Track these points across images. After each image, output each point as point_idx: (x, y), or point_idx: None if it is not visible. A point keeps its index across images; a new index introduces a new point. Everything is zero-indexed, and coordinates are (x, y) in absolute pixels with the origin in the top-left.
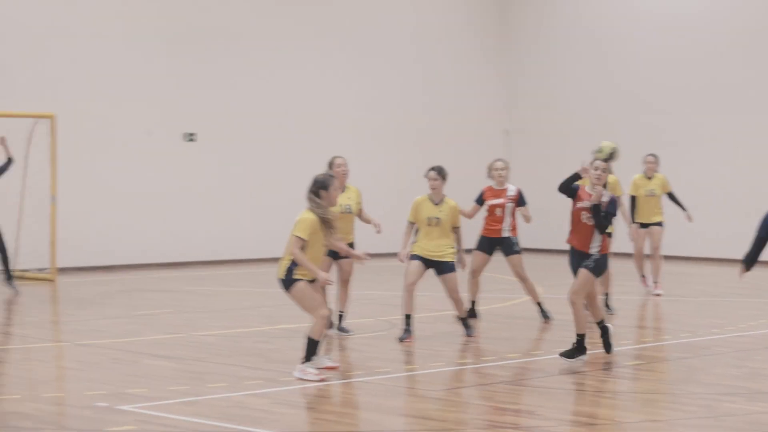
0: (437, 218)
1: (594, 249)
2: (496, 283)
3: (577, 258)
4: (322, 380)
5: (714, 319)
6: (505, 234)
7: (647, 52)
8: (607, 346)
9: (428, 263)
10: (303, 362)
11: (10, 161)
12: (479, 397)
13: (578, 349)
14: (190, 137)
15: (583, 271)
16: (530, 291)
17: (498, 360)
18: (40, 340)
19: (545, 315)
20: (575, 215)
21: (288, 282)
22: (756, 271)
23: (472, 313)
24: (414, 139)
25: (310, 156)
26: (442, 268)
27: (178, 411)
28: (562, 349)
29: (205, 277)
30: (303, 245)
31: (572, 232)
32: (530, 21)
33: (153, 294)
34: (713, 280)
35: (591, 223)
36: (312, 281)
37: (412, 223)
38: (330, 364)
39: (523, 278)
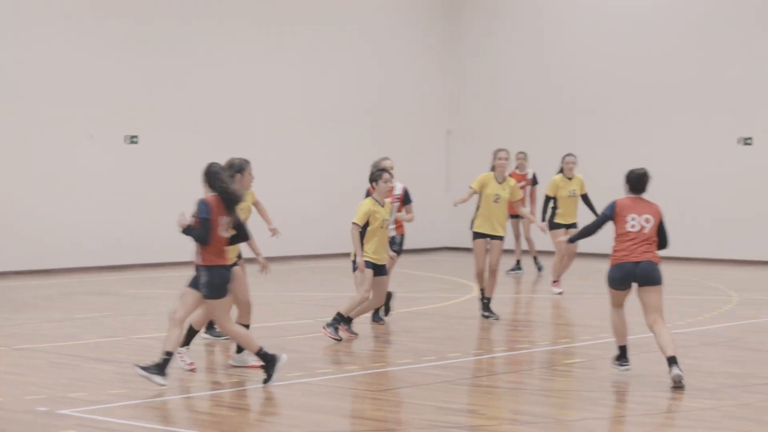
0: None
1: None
2: (437, 282)
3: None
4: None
5: None
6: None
7: (588, 55)
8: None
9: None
10: (237, 351)
11: None
12: (420, 397)
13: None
14: (132, 140)
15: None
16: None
17: (438, 360)
18: None
19: (382, 316)
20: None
21: None
22: (691, 267)
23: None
24: (361, 136)
25: (259, 155)
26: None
27: (119, 414)
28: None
29: (147, 280)
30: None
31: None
32: (474, 22)
33: (93, 297)
34: None
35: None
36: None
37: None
38: (254, 363)
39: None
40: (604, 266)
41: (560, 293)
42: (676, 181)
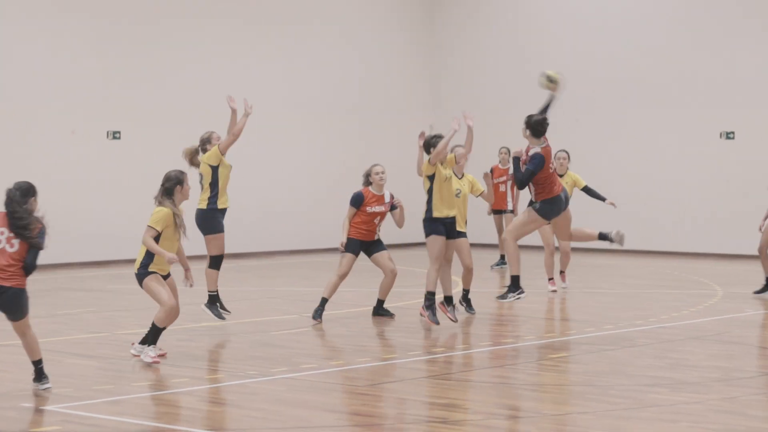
0: None
1: None
2: (421, 277)
3: None
4: (155, 362)
5: (636, 311)
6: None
7: (568, 52)
8: None
9: None
10: (141, 342)
11: None
12: (405, 392)
13: None
14: (114, 135)
15: None
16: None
17: (423, 354)
18: None
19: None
20: None
21: (141, 275)
22: (675, 262)
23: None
24: (345, 133)
25: (243, 151)
26: None
27: (104, 410)
28: None
29: (129, 276)
30: (155, 236)
31: None
32: (454, 18)
33: (75, 293)
34: (635, 273)
35: None
36: (165, 277)
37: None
38: (159, 351)
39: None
40: (590, 261)
41: (554, 291)
42: (657, 177)
